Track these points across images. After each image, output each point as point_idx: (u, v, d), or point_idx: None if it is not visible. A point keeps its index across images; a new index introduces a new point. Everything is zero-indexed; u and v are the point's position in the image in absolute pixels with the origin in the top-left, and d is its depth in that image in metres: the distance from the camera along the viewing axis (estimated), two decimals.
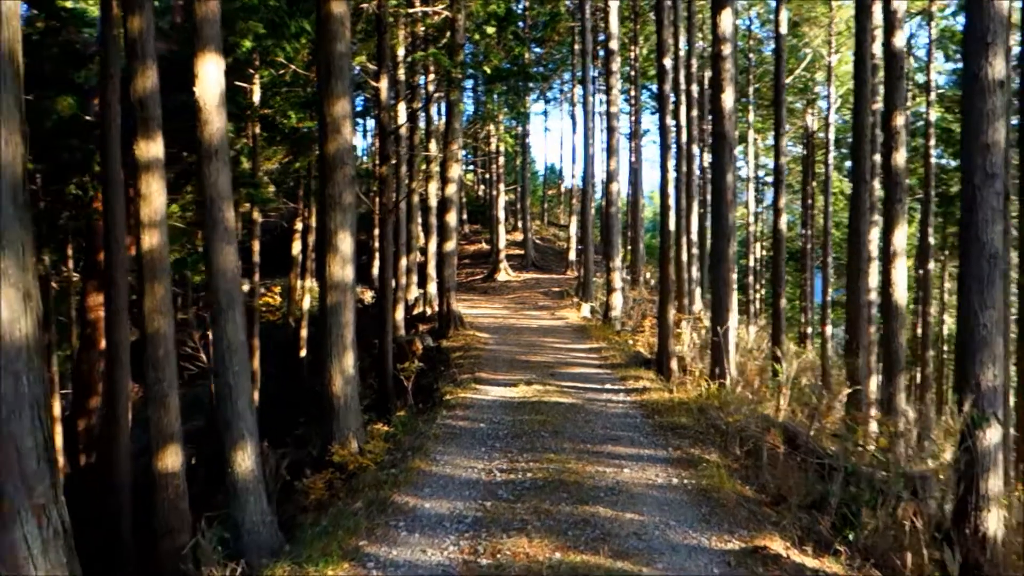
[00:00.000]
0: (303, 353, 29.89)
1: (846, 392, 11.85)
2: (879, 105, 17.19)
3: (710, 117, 19.05)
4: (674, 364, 15.06)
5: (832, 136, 29.93)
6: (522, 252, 37.95)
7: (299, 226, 33.31)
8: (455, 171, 19.96)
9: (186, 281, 37.44)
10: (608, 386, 13.68)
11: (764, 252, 43.31)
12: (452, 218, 20.15)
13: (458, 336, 19.58)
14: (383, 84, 16.91)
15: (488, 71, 15.95)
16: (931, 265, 23.55)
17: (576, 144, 33.53)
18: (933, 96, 24.73)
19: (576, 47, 31.94)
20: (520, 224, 40.14)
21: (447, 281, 20.25)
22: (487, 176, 43.03)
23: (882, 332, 13.25)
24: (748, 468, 8.63)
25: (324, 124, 11.02)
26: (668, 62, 15.28)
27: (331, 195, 10.97)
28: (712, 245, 12.72)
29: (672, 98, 29.41)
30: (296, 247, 32.76)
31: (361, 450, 10.38)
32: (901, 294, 12.13)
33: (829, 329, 34.81)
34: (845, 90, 30.80)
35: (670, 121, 14.76)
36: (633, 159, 36.75)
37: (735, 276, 16.14)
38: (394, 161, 20.16)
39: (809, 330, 34.85)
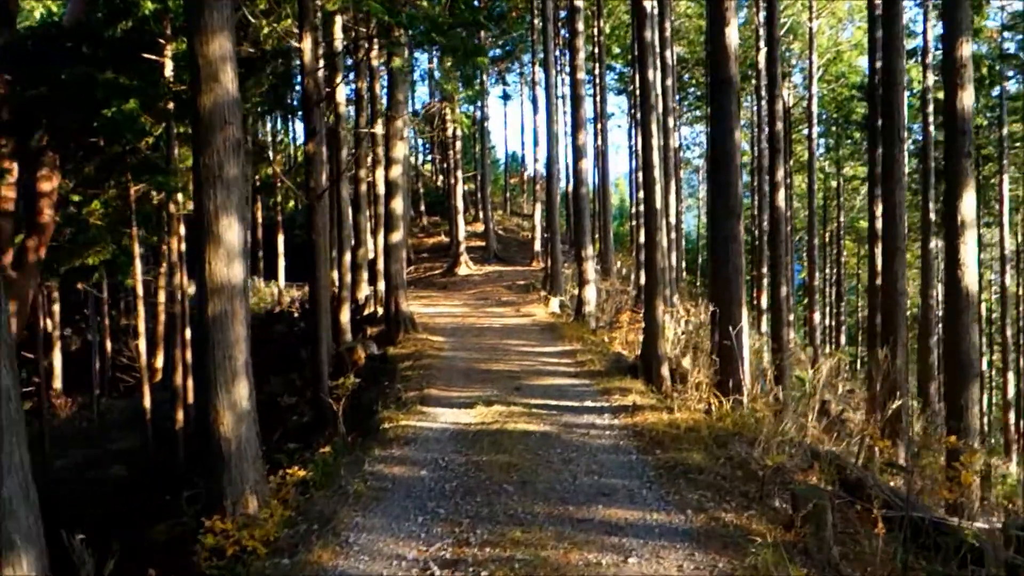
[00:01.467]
0: None
1: (894, 406, 9.06)
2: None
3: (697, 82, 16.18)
4: (664, 370, 12.19)
5: (815, 109, 27.27)
6: (484, 244, 34.96)
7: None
8: (400, 150, 16.92)
9: (118, 286, 33.96)
10: (588, 403, 10.76)
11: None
12: (398, 205, 17.11)
13: (408, 341, 16.56)
14: (306, 45, 13.83)
15: (432, 23, 12.90)
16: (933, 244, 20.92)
17: (539, 126, 30.67)
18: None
19: (536, 21, 28.98)
20: (481, 214, 37.14)
21: (394, 277, 17.21)
22: (445, 165, 39.95)
23: (943, 327, 10.48)
24: (807, 539, 5.73)
25: (196, 70, 7.91)
26: (648, 4, 12.36)
27: (208, 166, 7.89)
28: (714, 224, 9.87)
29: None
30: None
31: (254, 517, 7.34)
32: (972, 278, 9.35)
33: (817, 316, 32.32)
34: (826, 60, 28.15)
35: (650, 75, 11.84)
36: (599, 142, 33.94)
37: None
38: (339, 145, 17.05)
39: (792, 317, 32.11)
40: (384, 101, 19.79)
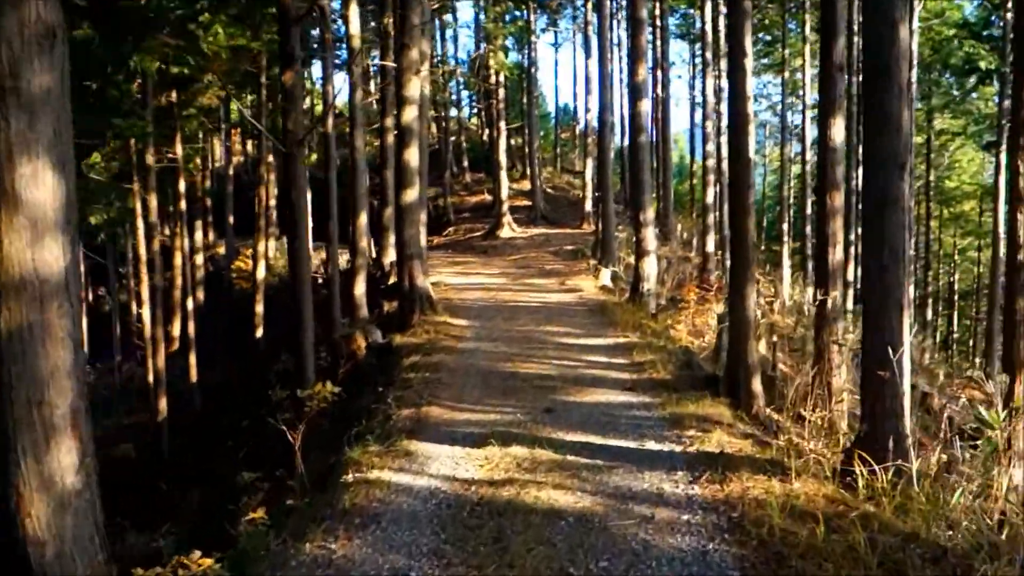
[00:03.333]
0: (259, 333, 23.58)
1: None
2: None
3: None
4: (756, 384, 8.53)
5: (915, 48, 22.74)
6: (530, 203, 31.23)
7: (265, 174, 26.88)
8: (414, 88, 13.27)
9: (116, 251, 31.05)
10: (651, 444, 7.14)
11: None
12: (412, 156, 13.49)
13: (423, 325, 13.05)
14: None
15: None
16: None
17: (591, 71, 26.62)
18: None
19: None
20: (528, 171, 33.33)
21: (408, 244, 13.67)
22: (488, 116, 36.11)
23: None
24: None
25: None
26: None
27: None
28: (870, 174, 6.11)
29: None
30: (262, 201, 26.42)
31: None
32: None
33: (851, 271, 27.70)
34: None
35: None
36: (659, 91, 29.79)
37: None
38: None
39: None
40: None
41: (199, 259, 30.92)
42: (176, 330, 25.12)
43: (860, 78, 20.93)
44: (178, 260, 24.56)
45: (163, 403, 15.85)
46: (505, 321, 13.58)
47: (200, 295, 30.15)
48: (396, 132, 14.20)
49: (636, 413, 8.20)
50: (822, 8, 9.55)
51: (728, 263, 24.20)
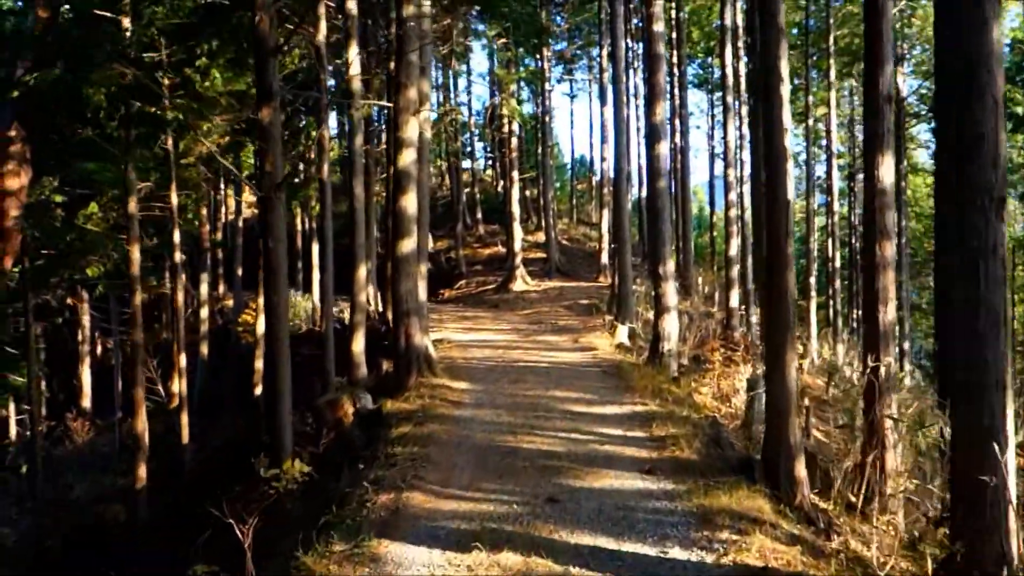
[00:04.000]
0: (258, 391, 22.29)
1: None
2: None
3: None
4: (800, 470, 7.08)
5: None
6: (544, 256, 29.97)
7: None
8: (412, 130, 12.10)
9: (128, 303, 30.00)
10: (677, 552, 5.69)
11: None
12: (410, 203, 12.27)
13: (419, 389, 11.67)
14: None
15: None
16: None
17: (607, 120, 25.56)
18: None
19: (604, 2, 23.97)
20: (542, 222, 32.18)
21: (404, 300, 12.37)
22: (501, 166, 35.12)
23: None
24: None
25: None
26: None
27: None
28: (956, 213, 4.73)
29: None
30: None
31: None
32: None
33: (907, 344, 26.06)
34: None
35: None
36: (677, 140, 28.66)
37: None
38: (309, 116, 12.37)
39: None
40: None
41: (204, 312, 29.81)
42: (176, 386, 23.99)
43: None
44: (173, 314, 23.44)
45: (143, 470, 14.48)
46: (511, 384, 12.18)
47: (205, 349, 28.93)
48: (392, 176, 13.00)
49: (657, 505, 6.75)
50: (866, 36, 8.30)
51: (753, 319, 22.79)
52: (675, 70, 27.96)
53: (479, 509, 6.76)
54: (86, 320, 29.41)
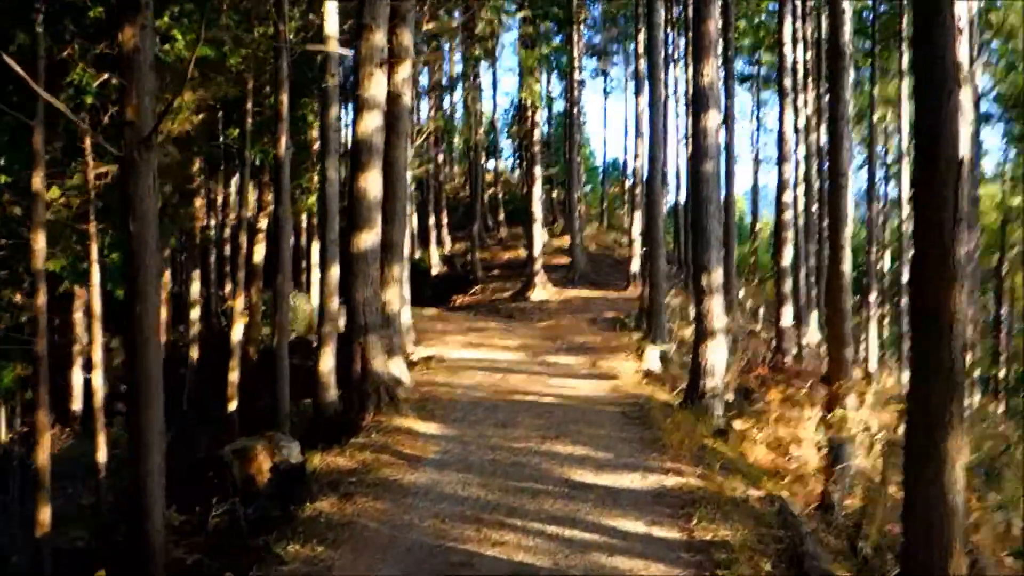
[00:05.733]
0: (232, 406, 19.14)
1: None
2: None
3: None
4: None
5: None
6: (568, 261, 26.55)
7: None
8: (376, 86, 8.84)
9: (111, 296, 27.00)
10: None
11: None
12: (371, 183, 9.03)
13: (371, 433, 8.38)
14: None
15: None
16: None
17: (641, 111, 22.06)
18: None
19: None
20: (567, 224, 28.78)
21: (360, 312, 9.10)
22: (523, 163, 31.79)
23: None
24: None
25: None
26: None
27: None
28: None
29: None
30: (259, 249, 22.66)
31: None
32: None
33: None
34: None
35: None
36: (726, 138, 25.06)
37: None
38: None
39: None
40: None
41: (195, 313, 26.85)
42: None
43: None
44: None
45: (45, 513, 11.31)
46: (497, 428, 8.82)
47: (195, 353, 26.02)
48: (351, 146, 9.73)
49: None
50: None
51: (805, 340, 19.23)
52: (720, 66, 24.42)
53: None
54: (78, 316, 26.52)
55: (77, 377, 24.92)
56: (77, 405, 24.77)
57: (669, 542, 5.63)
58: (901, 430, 10.74)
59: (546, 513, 6.20)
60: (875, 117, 23.15)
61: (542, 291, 23.51)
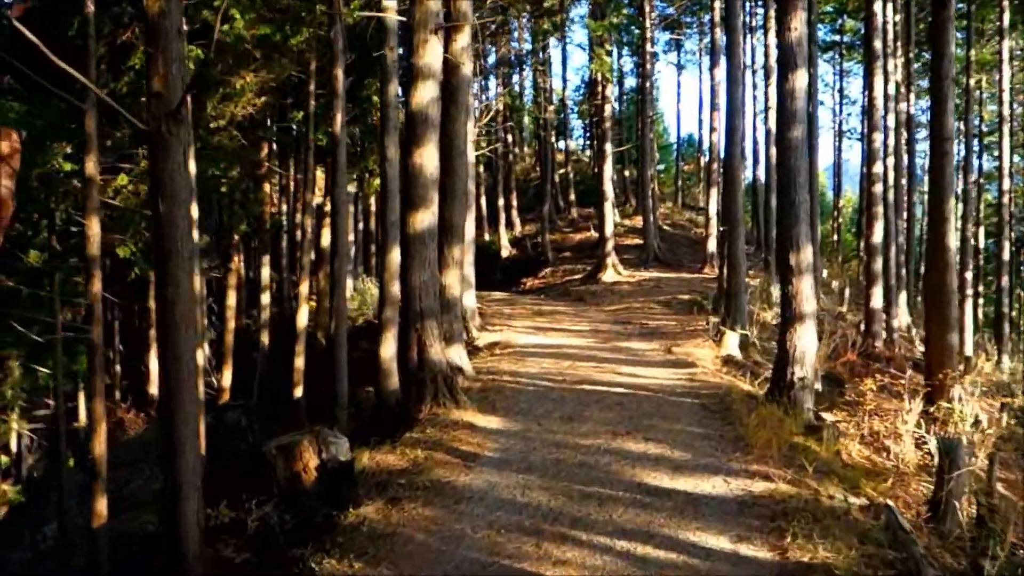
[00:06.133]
0: (299, 392, 18.89)
1: None
2: None
3: None
4: None
5: None
6: (642, 242, 25.57)
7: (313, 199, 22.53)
8: (432, 54, 8.17)
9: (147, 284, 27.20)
10: None
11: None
12: (427, 158, 8.38)
13: (426, 428, 7.77)
14: None
15: None
16: None
17: (718, 84, 20.88)
18: None
19: None
20: (640, 204, 27.74)
21: (416, 297, 8.51)
22: (594, 141, 30.73)
23: None
24: None
25: None
26: None
27: None
28: None
29: None
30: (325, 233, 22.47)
31: None
32: None
33: None
34: None
35: None
36: (809, 107, 23.60)
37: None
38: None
39: None
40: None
41: (265, 298, 26.83)
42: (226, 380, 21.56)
43: None
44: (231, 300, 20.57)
45: (101, 504, 11.10)
46: (563, 423, 8.10)
47: (265, 339, 25.93)
48: (406, 119, 9.07)
49: None
50: None
51: (895, 321, 17.88)
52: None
53: None
54: (152, 304, 26.83)
55: (154, 362, 25.20)
56: (154, 389, 25.05)
57: (760, 563, 4.82)
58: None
59: (615, 525, 5.45)
60: (971, 82, 21.40)
61: (614, 273, 22.63)
